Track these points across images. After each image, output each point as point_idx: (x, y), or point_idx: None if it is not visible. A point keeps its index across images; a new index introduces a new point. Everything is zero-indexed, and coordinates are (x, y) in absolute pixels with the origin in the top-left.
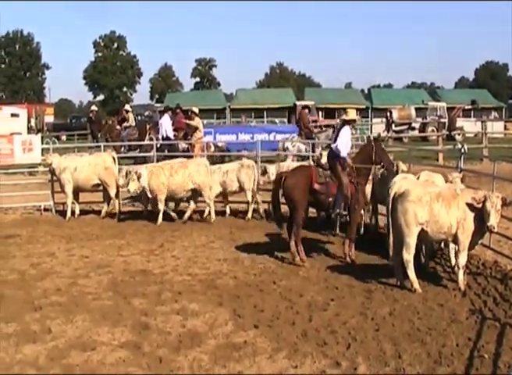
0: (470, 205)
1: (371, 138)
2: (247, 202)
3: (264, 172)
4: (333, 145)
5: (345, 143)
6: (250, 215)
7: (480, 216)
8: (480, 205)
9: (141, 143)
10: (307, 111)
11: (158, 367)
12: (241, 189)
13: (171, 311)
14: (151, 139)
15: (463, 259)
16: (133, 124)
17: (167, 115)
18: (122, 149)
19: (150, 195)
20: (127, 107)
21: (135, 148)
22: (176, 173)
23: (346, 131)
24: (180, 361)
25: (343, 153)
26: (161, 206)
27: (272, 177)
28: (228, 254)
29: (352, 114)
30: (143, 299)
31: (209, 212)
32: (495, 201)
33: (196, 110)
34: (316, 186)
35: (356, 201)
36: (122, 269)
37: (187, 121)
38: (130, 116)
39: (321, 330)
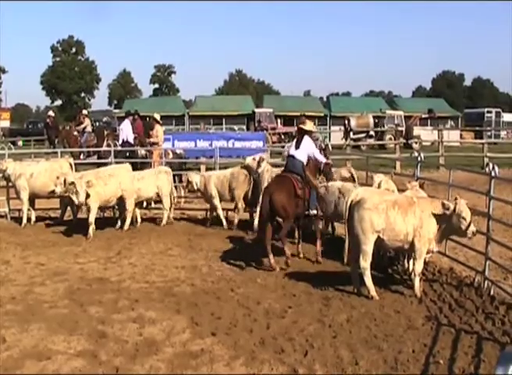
0: (436, 214)
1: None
2: (206, 210)
3: (187, 181)
4: (295, 152)
5: (304, 151)
6: (164, 221)
7: (444, 223)
8: (449, 212)
9: (99, 149)
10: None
11: None
12: (158, 196)
13: (128, 319)
14: (108, 145)
15: (419, 267)
16: (90, 130)
17: (127, 120)
18: (82, 156)
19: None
20: (84, 112)
21: (93, 154)
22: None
23: (309, 141)
24: (137, 369)
25: (303, 159)
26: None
27: (196, 187)
28: (186, 261)
29: (309, 125)
30: (99, 307)
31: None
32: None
33: (157, 117)
34: (299, 192)
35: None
36: (78, 276)
37: (151, 139)
38: (87, 121)
39: (278, 338)
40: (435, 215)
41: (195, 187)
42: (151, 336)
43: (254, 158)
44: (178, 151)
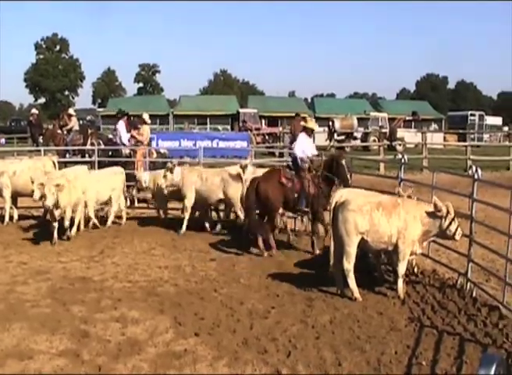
0: (428, 213)
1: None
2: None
3: (136, 180)
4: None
5: (300, 147)
6: (110, 222)
7: (433, 224)
8: (440, 214)
9: (84, 148)
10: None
11: None
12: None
13: (110, 318)
14: (92, 144)
15: (402, 268)
16: (77, 128)
17: (122, 121)
18: (68, 155)
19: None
20: (71, 111)
21: (78, 153)
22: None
23: (301, 137)
24: (120, 369)
25: (299, 154)
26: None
27: (145, 185)
28: (169, 261)
29: (311, 123)
30: (82, 306)
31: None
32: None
33: (146, 117)
34: (283, 180)
35: (317, 202)
36: (61, 275)
37: (136, 135)
38: (74, 120)
39: (261, 338)
40: (423, 217)
41: (144, 185)
42: (133, 336)
43: (240, 166)
44: (162, 151)
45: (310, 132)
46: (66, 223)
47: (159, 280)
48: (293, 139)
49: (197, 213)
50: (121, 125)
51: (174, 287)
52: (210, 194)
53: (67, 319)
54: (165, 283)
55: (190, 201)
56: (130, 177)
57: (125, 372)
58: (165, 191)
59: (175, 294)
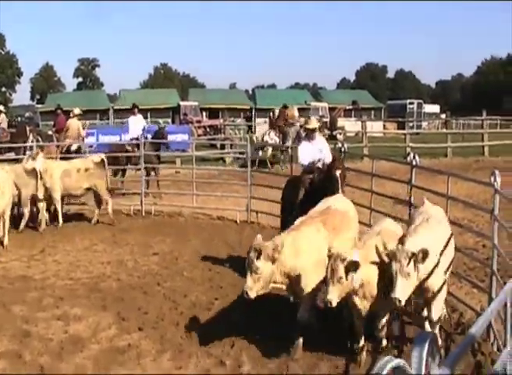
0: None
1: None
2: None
3: None
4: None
5: (303, 156)
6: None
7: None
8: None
9: (16, 145)
10: (286, 110)
11: None
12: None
13: (52, 317)
14: (37, 140)
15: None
16: (5, 126)
17: (132, 116)
18: None
19: None
20: (0, 107)
21: (9, 151)
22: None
23: (302, 145)
24: (62, 368)
25: (304, 162)
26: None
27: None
28: (111, 256)
29: (313, 123)
30: (23, 306)
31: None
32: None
33: (75, 111)
34: None
35: None
36: (0, 275)
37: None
38: (1, 116)
39: (205, 330)
40: None
41: None
42: (76, 333)
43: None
44: (74, 147)
45: (310, 132)
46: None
47: (102, 275)
48: (281, 133)
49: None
50: (130, 120)
51: (117, 282)
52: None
53: (8, 319)
54: (107, 279)
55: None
56: None
57: (68, 371)
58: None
59: (117, 290)
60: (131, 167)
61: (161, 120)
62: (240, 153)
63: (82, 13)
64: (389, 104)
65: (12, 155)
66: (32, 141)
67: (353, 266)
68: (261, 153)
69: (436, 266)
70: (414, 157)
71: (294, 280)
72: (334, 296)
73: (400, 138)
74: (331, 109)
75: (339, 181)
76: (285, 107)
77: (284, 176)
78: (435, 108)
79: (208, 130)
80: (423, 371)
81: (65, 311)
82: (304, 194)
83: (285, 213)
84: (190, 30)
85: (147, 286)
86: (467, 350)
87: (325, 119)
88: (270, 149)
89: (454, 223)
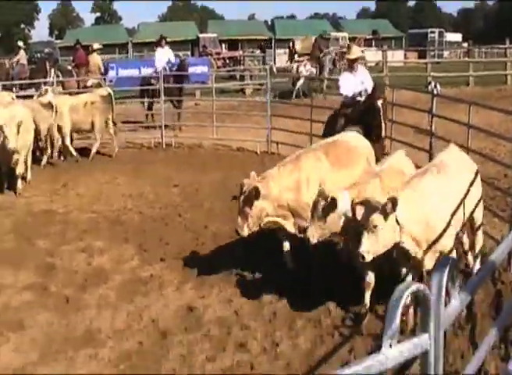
0: None
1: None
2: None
3: None
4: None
5: (344, 87)
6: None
7: None
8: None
9: (36, 81)
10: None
11: (65, 307)
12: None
13: (76, 249)
14: (57, 76)
15: None
16: (25, 62)
17: (159, 48)
18: (14, 89)
19: None
20: (20, 43)
21: (26, 88)
22: None
23: (343, 76)
24: (87, 299)
25: (348, 93)
26: None
27: None
28: (132, 189)
29: (356, 52)
30: (47, 240)
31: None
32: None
33: (95, 46)
34: None
35: None
36: (24, 210)
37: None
38: (21, 52)
39: (226, 260)
40: None
41: None
42: (99, 265)
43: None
44: (89, 83)
45: (351, 63)
46: (20, 170)
47: (123, 208)
48: (318, 63)
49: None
50: (158, 52)
51: (138, 214)
52: None
53: (32, 253)
54: (129, 212)
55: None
56: None
57: (92, 301)
58: None
59: (139, 222)
60: (154, 100)
61: (180, 53)
62: (260, 84)
63: None
64: (410, 33)
65: (32, 91)
66: (52, 77)
67: (332, 206)
68: (299, 84)
69: (447, 226)
70: (435, 86)
71: (296, 214)
72: (313, 233)
73: (421, 68)
74: (351, 39)
75: (381, 112)
76: (321, 37)
77: (305, 106)
78: (457, 36)
79: (227, 61)
80: (443, 297)
81: (88, 244)
82: (342, 127)
83: None
84: None
85: (168, 217)
86: (487, 277)
87: (344, 50)
88: (302, 80)
89: (476, 152)
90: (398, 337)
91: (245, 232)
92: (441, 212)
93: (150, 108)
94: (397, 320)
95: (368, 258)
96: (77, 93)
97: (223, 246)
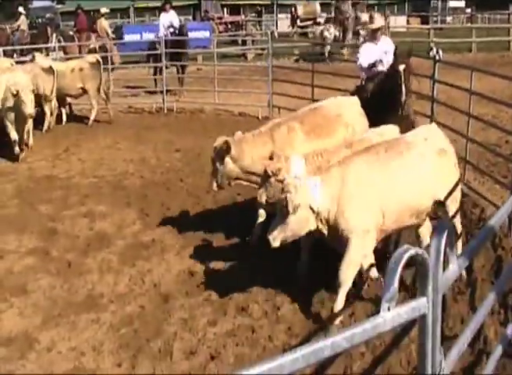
0: None
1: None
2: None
3: None
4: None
5: (363, 58)
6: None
7: None
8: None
9: (37, 46)
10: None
11: (67, 271)
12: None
13: (78, 214)
14: (59, 41)
15: None
16: (25, 28)
17: (164, 13)
18: (15, 55)
19: None
20: (20, 9)
21: (27, 53)
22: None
23: (364, 46)
24: (89, 263)
25: (364, 64)
26: None
27: None
28: (134, 154)
29: (379, 21)
30: (49, 205)
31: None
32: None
33: (102, 10)
34: None
35: None
36: (26, 175)
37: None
38: (21, 18)
39: (228, 225)
40: None
41: None
42: (101, 230)
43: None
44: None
45: (374, 32)
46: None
47: (125, 173)
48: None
49: None
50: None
51: (140, 179)
52: None
53: (35, 218)
54: (131, 176)
55: None
56: None
57: (94, 265)
58: None
59: (141, 187)
60: (154, 65)
61: (182, 18)
62: (262, 49)
63: None
64: None
65: None
66: (54, 42)
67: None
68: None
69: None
70: (437, 52)
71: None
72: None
73: (423, 33)
74: (353, 4)
75: (403, 77)
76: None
77: (307, 71)
78: (459, 2)
79: (229, 26)
80: (441, 262)
81: (90, 208)
82: (366, 99)
83: None
84: None
85: (169, 182)
86: (486, 242)
87: (347, 15)
88: (328, 46)
89: (477, 118)
90: (397, 300)
91: (214, 188)
92: (380, 194)
93: (156, 73)
94: (396, 284)
95: (275, 244)
96: (78, 58)
97: (224, 211)
